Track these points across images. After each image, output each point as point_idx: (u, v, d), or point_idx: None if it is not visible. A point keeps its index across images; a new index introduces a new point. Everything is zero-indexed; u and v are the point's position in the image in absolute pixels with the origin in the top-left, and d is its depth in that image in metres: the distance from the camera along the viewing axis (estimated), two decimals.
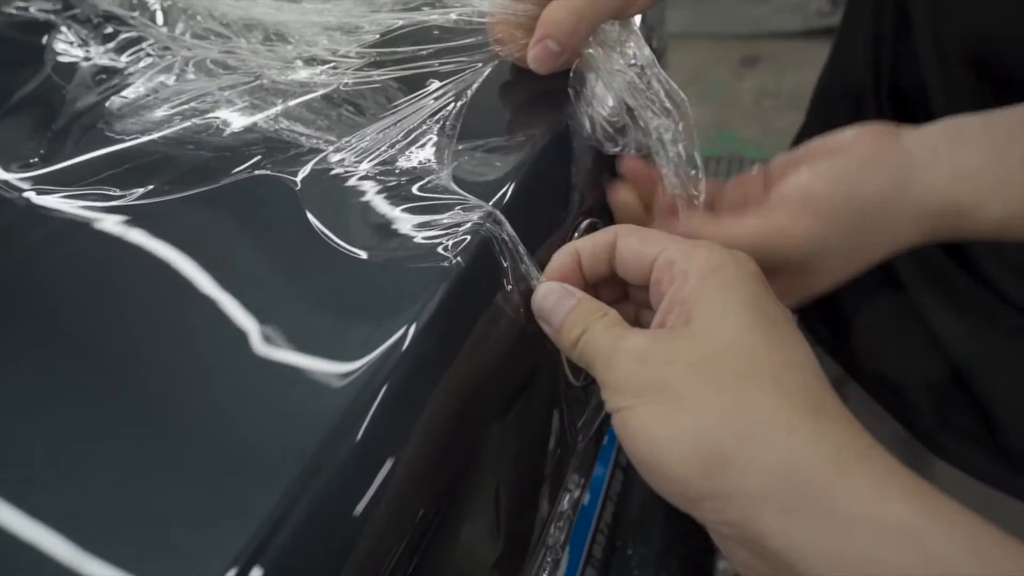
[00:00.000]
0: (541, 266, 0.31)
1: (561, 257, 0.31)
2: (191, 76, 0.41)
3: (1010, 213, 0.32)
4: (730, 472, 0.24)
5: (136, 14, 0.47)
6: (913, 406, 0.53)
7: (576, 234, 0.36)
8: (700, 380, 0.25)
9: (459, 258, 0.28)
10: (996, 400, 0.48)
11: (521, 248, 0.30)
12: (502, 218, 0.30)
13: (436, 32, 0.38)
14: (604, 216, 0.39)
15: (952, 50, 0.44)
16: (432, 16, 0.38)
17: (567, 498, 0.48)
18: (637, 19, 0.41)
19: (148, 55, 0.43)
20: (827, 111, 0.60)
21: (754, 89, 2.40)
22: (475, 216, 0.29)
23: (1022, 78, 0.41)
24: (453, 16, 0.38)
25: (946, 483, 0.51)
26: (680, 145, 0.36)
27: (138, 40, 0.44)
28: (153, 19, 0.46)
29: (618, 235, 0.31)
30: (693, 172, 0.37)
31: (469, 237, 0.29)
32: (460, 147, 0.34)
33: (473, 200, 0.30)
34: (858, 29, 0.54)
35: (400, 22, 0.38)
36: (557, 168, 0.36)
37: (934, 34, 0.45)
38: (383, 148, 0.34)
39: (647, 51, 0.36)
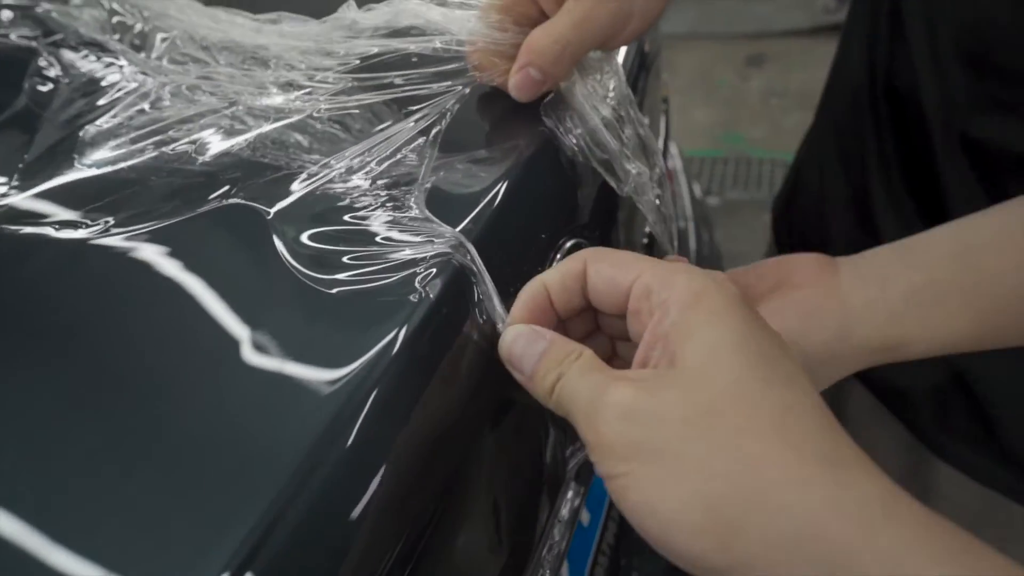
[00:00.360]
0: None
1: (528, 293, 0.29)
2: (167, 103, 0.40)
3: (934, 349, 0.34)
4: (746, 543, 0.22)
5: (117, 37, 0.47)
6: (914, 407, 0.52)
7: (559, 255, 0.35)
8: (698, 437, 0.23)
9: (428, 290, 0.27)
10: (996, 402, 0.47)
11: (489, 286, 0.29)
12: (470, 247, 0.28)
13: (415, 59, 0.37)
14: (591, 233, 0.38)
15: (944, 47, 0.44)
16: (410, 45, 0.37)
17: (567, 507, 0.47)
18: (621, 51, 0.40)
19: (126, 82, 0.42)
20: (829, 112, 0.60)
21: (761, 88, 2.37)
22: (444, 246, 0.28)
23: (1013, 72, 0.41)
24: (433, 44, 0.36)
25: (948, 485, 0.52)
26: (654, 191, 0.36)
27: (116, 67, 0.43)
28: (132, 44, 0.45)
29: (587, 262, 0.28)
30: (662, 226, 0.36)
31: (436, 269, 0.28)
32: (436, 173, 0.33)
33: (445, 229, 0.29)
34: (856, 29, 0.54)
35: (376, 49, 0.37)
36: (536, 188, 0.35)
37: (927, 32, 0.45)
38: (357, 175, 0.33)
39: (626, 89, 0.35)
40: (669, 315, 0.25)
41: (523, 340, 0.28)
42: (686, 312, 0.25)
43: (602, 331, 0.31)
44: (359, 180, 0.33)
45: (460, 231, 0.29)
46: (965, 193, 0.46)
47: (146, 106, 0.40)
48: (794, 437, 0.23)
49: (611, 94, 0.35)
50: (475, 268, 0.28)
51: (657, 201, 0.36)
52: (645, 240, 0.40)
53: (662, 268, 0.27)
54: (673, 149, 1.16)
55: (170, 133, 0.37)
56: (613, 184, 0.36)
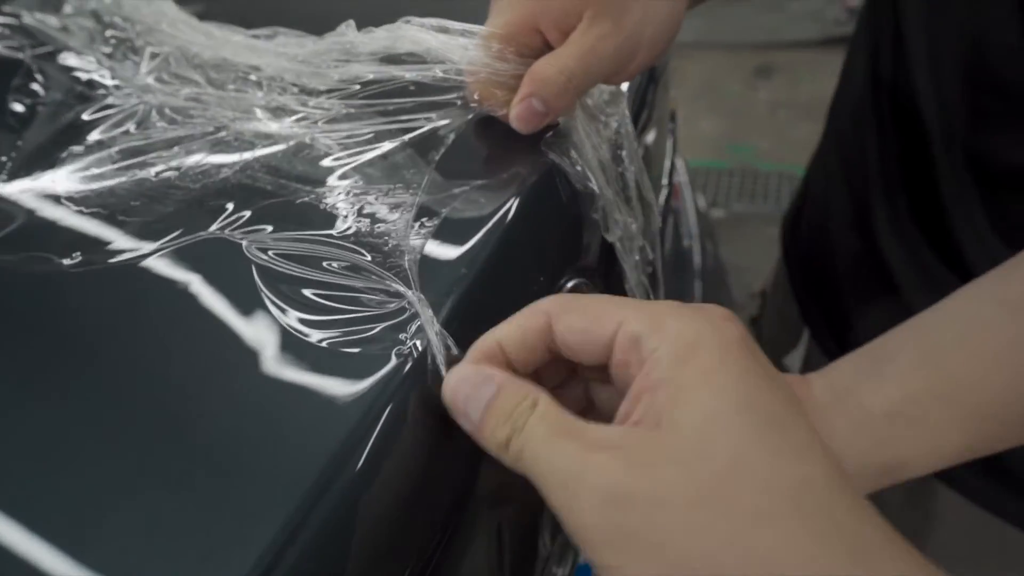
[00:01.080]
0: None
1: (480, 352, 0.25)
2: (153, 124, 0.38)
3: (937, 463, 0.31)
4: None
5: (107, 51, 0.45)
6: None
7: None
8: (705, 528, 0.20)
9: (413, 348, 0.25)
10: None
11: (438, 343, 0.26)
12: (424, 313, 0.26)
13: (412, 88, 0.36)
14: (594, 272, 0.37)
15: (945, 61, 0.44)
16: (407, 73, 0.35)
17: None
18: (624, 86, 0.38)
19: (113, 100, 0.41)
20: (835, 125, 0.60)
21: (769, 99, 2.35)
22: (406, 305, 0.26)
23: (1015, 87, 0.40)
24: (432, 73, 0.35)
25: (950, 510, 0.51)
26: (641, 251, 0.34)
27: (104, 84, 0.42)
28: (122, 59, 0.44)
29: (552, 316, 0.25)
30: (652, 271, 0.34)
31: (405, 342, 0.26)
32: (430, 207, 0.31)
33: (405, 291, 0.27)
34: (861, 42, 0.54)
35: (373, 75, 0.36)
36: (536, 224, 0.33)
37: (928, 46, 0.45)
38: (345, 208, 0.31)
39: (630, 127, 0.33)
40: (660, 366, 0.22)
41: (467, 385, 0.24)
42: (678, 368, 0.22)
43: (577, 375, 0.28)
44: (346, 212, 0.31)
45: (447, 275, 0.27)
46: (964, 210, 0.45)
47: (131, 127, 0.38)
48: (815, 522, 0.20)
49: (613, 136, 0.33)
50: (434, 331, 0.25)
51: (641, 267, 0.34)
52: (649, 270, 0.39)
53: (648, 311, 0.24)
54: (679, 163, 1.14)
55: (153, 157, 0.36)
56: (602, 227, 0.34)
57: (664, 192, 0.69)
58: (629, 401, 0.23)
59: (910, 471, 0.31)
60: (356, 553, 0.23)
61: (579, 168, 0.35)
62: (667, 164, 0.75)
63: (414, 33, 0.34)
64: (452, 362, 0.26)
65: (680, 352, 0.22)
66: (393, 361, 0.25)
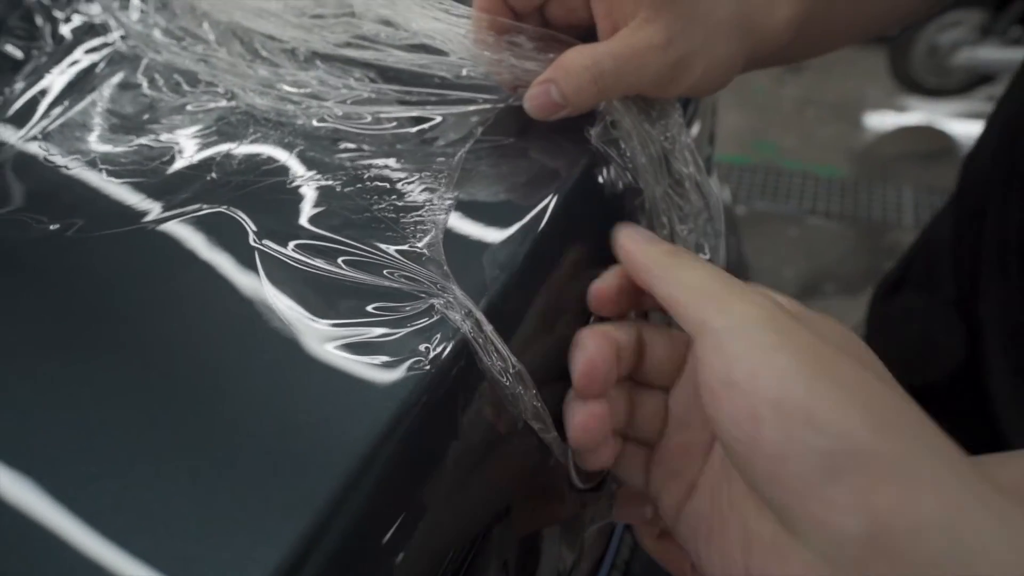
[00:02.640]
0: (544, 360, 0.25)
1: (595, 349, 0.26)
2: (157, 87, 0.35)
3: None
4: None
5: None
6: None
7: None
8: None
9: (430, 366, 0.22)
10: None
11: (502, 359, 0.23)
12: (480, 318, 0.23)
13: (437, 80, 0.32)
14: None
15: None
16: (434, 66, 0.32)
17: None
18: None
19: (116, 52, 0.37)
20: (959, 194, 0.51)
21: (796, 96, 2.29)
22: (448, 311, 0.23)
23: None
24: (463, 71, 0.31)
25: None
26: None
27: (101, 31, 0.38)
28: (128, 10, 0.40)
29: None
30: None
31: (442, 335, 0.22)
32: (460, 199, 0.28)
33: (452, 290, 0.23)
34: (995, 117, 0.47)
35: (403, 65, 0.32)
36: (575, 219, 0.30)
37: None
38: (359, 204, 0.27)
39: (684, 136, 0.29)
40: None
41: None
42: None
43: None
44: (361, 210, 0.27)
45: (478, 279, 0.24)
46: None
47: (133, 86, 0.35)
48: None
49: (667, 135, 0.30)
50: (493, 344, 0.22)
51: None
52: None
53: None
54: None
55: (155, 125, 0.32)
56: (645, 226, 0.30)
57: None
58: None
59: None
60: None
61: (626, 161, 0.31)
62: (708, 160, 0.71)
63: (444, 28, 0.31)
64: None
65: None
66: (420, 359, 0.22)
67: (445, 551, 0.22)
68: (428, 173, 0.29)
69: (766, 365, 0.20)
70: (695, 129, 0.54)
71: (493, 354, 0.22)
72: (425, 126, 0.31)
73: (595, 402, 0.25)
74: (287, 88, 0.34)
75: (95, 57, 0.36)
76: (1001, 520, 0.18)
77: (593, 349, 0.25)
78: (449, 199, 0.27)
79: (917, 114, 2.20)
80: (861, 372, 0.20)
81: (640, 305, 0.29)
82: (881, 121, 2.18)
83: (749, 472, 0.20)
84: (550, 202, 0.28)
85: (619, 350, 0.26)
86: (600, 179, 0.31)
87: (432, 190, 0.28)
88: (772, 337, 0.21)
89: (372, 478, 0.19)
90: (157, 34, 0.38)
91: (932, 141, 2.13)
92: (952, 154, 2.05)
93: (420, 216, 0.27)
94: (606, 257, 0.32)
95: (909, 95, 2.18)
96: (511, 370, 0.23)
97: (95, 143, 0.31)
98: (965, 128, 2.12)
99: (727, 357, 0.21)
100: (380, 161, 0.29)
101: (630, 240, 0.27)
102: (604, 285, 0.28)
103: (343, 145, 0.31)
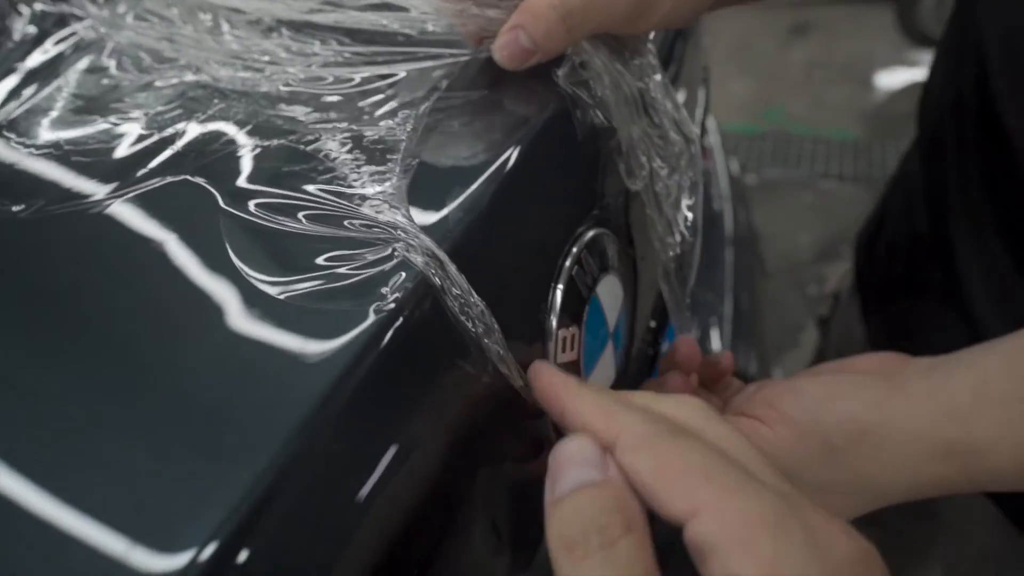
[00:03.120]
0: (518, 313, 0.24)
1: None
2: (123, 67, 0.34)
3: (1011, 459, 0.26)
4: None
5: None
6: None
7: (576, 248, 0.29)
8: None
9: (392, 306, 0.21)
10: None
11: (465, 300, 0.22)
12: (443, 258, 0.22)
13: (400, 38, 0.31)
14: (615, 224, 0.32)
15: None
16: (396, 23, 0.31)
17: None
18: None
19: (82, 37, 0.37)
20: (919, 135, 0.54)
21: (804, 59, 2.24)
22: (410, 253, 0.22)
23: None
24: (428, 26, 0.31)
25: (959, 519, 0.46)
26: (679, 200, 0.29)
27: (70, 20, 0.38)
28: None
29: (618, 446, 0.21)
30: (682, 236, 0.30)
31: (404, 277, 0.21)
32: (424, 146, 0.27)
33: (411, 232, 0.22)
34: (945, 46, 0.49)
35: (354, 23, 0.31)
36: (549, 166, 0.29)
37: (1004, 47, 0.39)
38: (321, 161, 0.27)
39: (658, 76, 0.28)
40: None
41: (579, 456, 0.20)
42: None
43: None
44: (330, 146, 0.27)
45: (442, 224, 0.23)
46: None
47: (99, 69, 0.34)
48: None
49: (641, 74, 0.29)
50: (453, 288, 0.21)
51: (672, 222, 0.30)
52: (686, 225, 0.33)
53: (735, 511, 0.19)
54: (711, 124, 1.08)
55: (120, 104, 0.32)
56: (623, 174, 0.29)
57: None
58: None
59: (988, 462, 0.27)
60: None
61: (598, 101, 0.30)
62: (698, 126, 0.69)
63: None
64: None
65: None
66: (378, 307, 0.21)
67: (417, 502, 0.21)
68: (391, 127, 0.28)
69: None
70: (681, 96, 0.53)
71: (456, 294, 0.22)
72: (389, 81, 0.30)
73: None
74: (253, 57, 0.33)
75: (62, 47, 0.36)
76: None
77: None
78: (413, 150, 0.27)
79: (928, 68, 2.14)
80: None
81: None
82: (891, 79, 2.12)
83: None
84: (516, 147, 0.27)
85: None
86: (570, 122, 0.30)
87: (395, 143, 0.27)
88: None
89: (331, 423, 0.19)
90: (126, 18, 0.38)
91: None
92: None
93: (382, 168, 0.26)
94: (584, 201, 0.31)
95: (919, 49, 2.12)
96: (475, 311, 0.22)
97: (59, 126, 0.31)
98: None
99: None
100: (344, 121, 0.29)
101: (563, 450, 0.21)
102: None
103: (306, 108, 0.30)
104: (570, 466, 0.20)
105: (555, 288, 0.27)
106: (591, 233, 0.29)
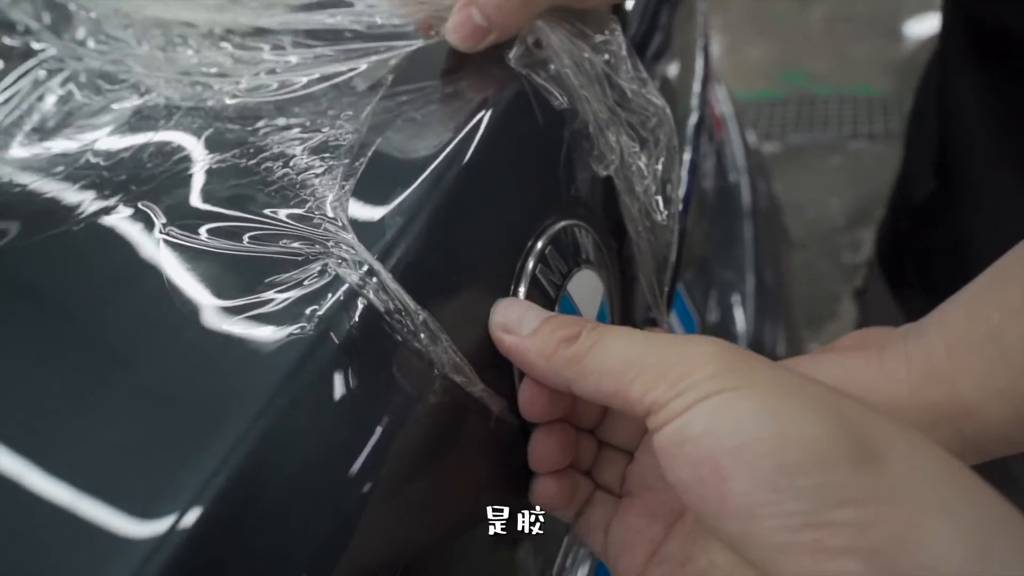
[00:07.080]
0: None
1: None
2: (78, 94, 0.34)
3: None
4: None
5: (46, 19, 0.41)
6: None
7: (540, 243, 0.27)
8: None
9: (313, 330, 0.19)
10: None
11: (405, 310, 0.20)
12: (386, 278, 0.20)
13: (348, 34, 0.30)
14: (589, 213, 0.30)
15: None
16: (344, 20, 0.29)
17: None
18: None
19: (39, 69, 0.36)
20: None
21: (824, 15, 2.15)
22: (343, 271, 0.20)
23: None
24: (376, 20, 0.29)
25: None
26: (656, 180, 0.27)
27: (31, 50, 0.37)
28: (56, 26, 0.39)
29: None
30: (661, 217, 0.28)
31: (339, 297, 0.20)
32: (373, 139, 0.25)
33: (352, 248, 0.21)
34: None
35: (302, 25, 0.30)
36: (501, 157, 0.27)
37: None
38: (262, 176, 0.25)
39: (623, 48, 0.26)
40: None
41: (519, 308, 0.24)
42: None
43: None
44: (271, 158, 0.25)
45: (379, 230, 0.21)
46: None
47: (52, 97, 0.34)
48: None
49: (607, 56, 0.27)
50: (391, 304, 0.20)
51: (647, 208, 0.28)
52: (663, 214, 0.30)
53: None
54: (722, 93, 1.03)
55: (69, 130, 0.31)
56: (593, 155, 0.27)
57: (691, 125, 0.60)
58: None
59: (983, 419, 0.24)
60: None
61: (558, 81, 0.28)
62: (695, 97, 0.65)
63: None
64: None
65: None
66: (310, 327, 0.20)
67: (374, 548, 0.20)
68: (334, 131, 0.26)
69: (722, 412, 0.17)
70: (672, 68, 0.50)
71: (392, 306, 0.20)
72: (332, 83, 0.29)
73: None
74: (201, 71, 0.32)
75: (23, 83, 0.36)
76: None
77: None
78: (354, 155, 0.25)
79: None
80: (834, 397, 0.18)
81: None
82: (920, 27, 2.02)
83: (724, 535, 0.18)
84: (468, 139, 0.25)
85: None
86: (529, 107, 0.28)
87: (337, 148, 0.26)
88: (725, 381, 0.18)
89: (247, 457, 0.17)
90: (87, 43, 0.37)
91: None
92: None
93: (322, 179, 0.24)
94: (548, 191, 0.29)
95: None
96: (416, 321, 0.20)
97: (11, 156, 0.30)
98: None
99: (680, 419, 0.18)
100: (287, 130, 0.27)
101: (517, 346, 0.23)
102: (527, 401, 0.24)
103: (251, 118, 0.29)
104: (529, 309, 0.24)
105: (515, 292, 0.25)
106: (558, 226, 0.27)
